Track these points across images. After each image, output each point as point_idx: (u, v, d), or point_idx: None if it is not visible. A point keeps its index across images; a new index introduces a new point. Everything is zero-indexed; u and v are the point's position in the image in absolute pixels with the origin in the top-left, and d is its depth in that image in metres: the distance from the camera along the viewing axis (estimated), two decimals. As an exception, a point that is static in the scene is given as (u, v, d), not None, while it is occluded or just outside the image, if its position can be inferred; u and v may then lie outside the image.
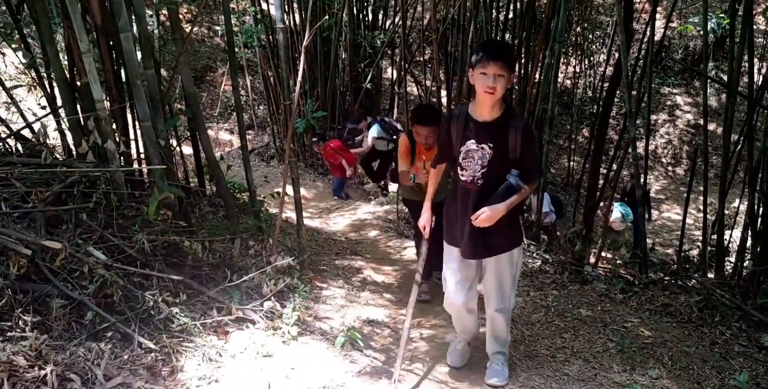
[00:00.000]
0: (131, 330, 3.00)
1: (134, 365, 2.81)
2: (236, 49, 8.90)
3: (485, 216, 2.67)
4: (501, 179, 2.70)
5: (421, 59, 12.36)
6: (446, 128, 2.83)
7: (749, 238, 5.09)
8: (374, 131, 7.63)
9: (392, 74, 11.49)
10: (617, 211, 8.08)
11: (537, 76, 7.09)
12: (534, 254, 5.78)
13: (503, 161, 2.69)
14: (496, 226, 2.74)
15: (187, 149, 5.48)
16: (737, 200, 7.05)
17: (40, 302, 2.95)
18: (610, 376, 3.39)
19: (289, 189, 4.65)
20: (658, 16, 8.11)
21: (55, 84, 3.96)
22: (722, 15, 11.02)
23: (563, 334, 3.97)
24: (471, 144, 2.71)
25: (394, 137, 7.41)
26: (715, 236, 5.36)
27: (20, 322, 2.75)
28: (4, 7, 4.54)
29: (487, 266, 3.01)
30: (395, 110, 10.30)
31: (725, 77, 10.35)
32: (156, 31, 6.51)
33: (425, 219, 3.17)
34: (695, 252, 6.45)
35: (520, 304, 4.48)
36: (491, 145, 2.67)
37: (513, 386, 3.22)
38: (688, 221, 6.48)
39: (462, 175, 2.79)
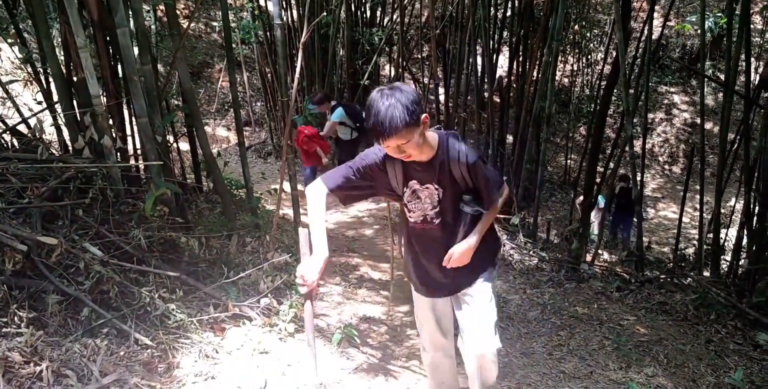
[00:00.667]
0: (127, 326, 2.99)
1: (130, 361, 2.80)
2: (234, 46, 8.88)
3: (456, 259, 2.31)
4: (459, 211, 2.33)
5: (419, 57, 12.35)
6: (381, 160, 2.27)
7: (745, 237, 5.11)
8: (337, 115, 7.10)
9: (390, 71, 11.47)
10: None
11: (535, 74, 7.09)
12: (530, 252, 5.79)
13: (456, 196, 2.31)
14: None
15: (184, 146, 5.47)
16: (733, 199, 7.07)
17: (35, 298, 2.94)
18: (606, 374, 3.40)
19: (287, 186, 4.64)
20: (655, 14, 8.11)
21: (51, 79, 3.94)
22: (720, 14, 11.03)
23: (559, 332, 3.98)
24: (414, 184, 2.30)
25: (357, 124, 7.05)
26: (711, 235, 5.37)
27: (16, 318, 2.74)
28: (0, 2, 4.51)
29: (462, 301, 2.48)
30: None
31: (722, 76, 10.37)
32: (153, 27, 6.49)
33: (315, 272, 2.15)
34: (691, 251, 6.46)
35: (517, 301, 4.49)
36: (437, 186, 2.28)
37: (509, 384, 3.22)
38: (685, 219, 6.49)
39: (411, 216, 2.38)
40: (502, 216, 6.58)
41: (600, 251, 6.36)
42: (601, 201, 7.99)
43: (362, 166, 2.28)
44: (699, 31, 7.47)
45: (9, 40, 4.54)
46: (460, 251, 2.30)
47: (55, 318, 2.89)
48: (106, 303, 3.10)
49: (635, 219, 6.26)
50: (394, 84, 2.05)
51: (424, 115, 2.06)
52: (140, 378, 2.70)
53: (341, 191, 2.29)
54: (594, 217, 8.00)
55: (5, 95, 4.34)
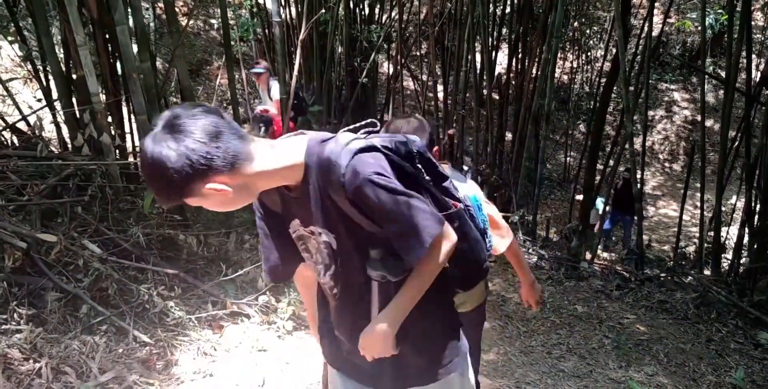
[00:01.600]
0: (126, 323, 2.99)
1: (129, 358, 2.80)
2: (232, 43, 8.86)
3: (367, 353, 1.45)
4: (367, 276, 1.43)
5: (418, 54, 12.32)
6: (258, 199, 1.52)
7: (746, 235, 5.10)
8: (278, 91, 6.72)
9: (388, 69, 11.45)
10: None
11: (534, 71, 7.08)
12: (530, 250, 5.79)
13: (360, 249, 1.40)
14: (402, 344, 1.46)
15: (184, 143, 5.45)
16: (734, 197, 7.07)
17: (35, 295, 2.94)
18: (605, 373, 3.40)
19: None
20: (655, 11, 8.09)
21: (51, 77, 3.93)
22: (720, 11, 11.02)
23: (559, 330, 3.98)
24: (298, 226, 1.47)
25: (295, 101, 6.43)
26: (711, 233, 5.37)
27: (15, 315, 2.74)
28: (0, 0, 4.50)
29: None
30: (391, 104, 10.27)
31: (723, 73, 10.35)
32: (152, 24, 6.47)
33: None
34: (692, 249, 6.46)
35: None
36: (322, 229, 1.41)
37: (509, 382, 3.22)
38: (685, 217, 6.49)
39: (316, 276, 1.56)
40: (501, 214, 6.56)
41: (599, 249, 6.36)
42: (600, 204, 7.98)
43: (259, 219, 1.57)
44: (699, 28, 7.45)
45: (9, 38, 4.53)
46: (369, 342, 1.43)
47: (55, 315, 2.88)
48: (105, 300, 3.10)
49: (635, 217, 6.25)
50: (174, 122, 1.18)
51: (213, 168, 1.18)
52: (139, 375, 2.70)
53: (281, 269, 1.56)
54: (593, 219, 7.99)
55: (5, 93, 4.33)
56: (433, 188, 1.46)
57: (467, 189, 1.98)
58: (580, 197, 6.82)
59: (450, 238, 1.37)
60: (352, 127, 1.43)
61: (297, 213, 1.45)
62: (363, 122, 1.42)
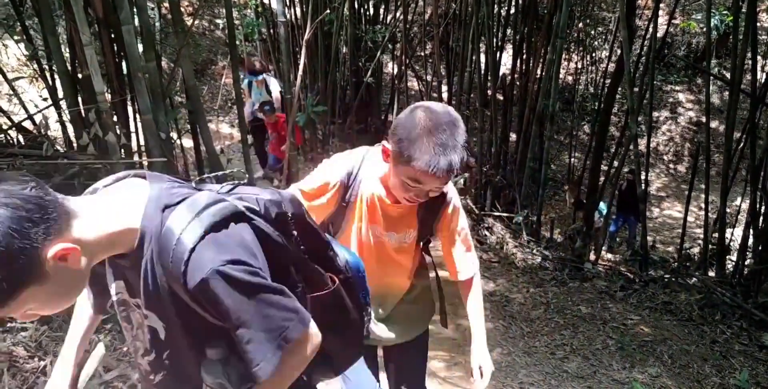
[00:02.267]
0: (131, 322, 3.00)
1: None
2: (237, 43, 8.87)
3: None
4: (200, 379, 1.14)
5: (422, 54, 12.31)
6: None
7: (751, 236, 5.09)
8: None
9: (393, 69, 11.45)
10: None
11: (538, 72, 7.07)
12: (534, 251, 5.78)
13: (194, 347, 1.13)
14: None
15: (188, 142, 5.47)
16: (739, 198, 7.04)
17: (39, 294, 2.95)
18: (609, 374, 3.39)
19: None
20: (660, 12, 8.08)
21: (56, 76, 3.95)
22: (725, 12, 10.98)
23: (563, 331, 3.97)
24: (123, 289, 1.16)
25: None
26: (716, 234, 5.35)
27: (20, 314, 2.75)
28: (7, 0, 4.52)
29: None
30: (396, 104, 10.27)
31: (728, 75, 10.33)
32: (157, 24, 6.49)
33: None
34: (696, 250, 6.44)
35: (519, 300, 4.48)
36: (150, 313, 1.13)
37: (512, 383, 3.22)
38: (689, 218, 6.47)
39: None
40: (505, 215, 6.57)
41: (603, 250, 6.35)
42: (603, 207, 7.96)
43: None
44: (705, 29, 7.44)
45: (15, 38, 4.55)
46: None
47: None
48: (109, 299, 3.10)
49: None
50: None
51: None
52: (144, 374, 2.71)
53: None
54: (597, 223, 7.97)
55: (11, 92, 4.35)
56: (310, 261, 1.22)
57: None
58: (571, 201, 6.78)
59: (312, 341, 1.11)
60: (212, 175, 1.22)
61: (127, 275, 1.12)
62: (226, 172, 1.27)
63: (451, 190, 1.74)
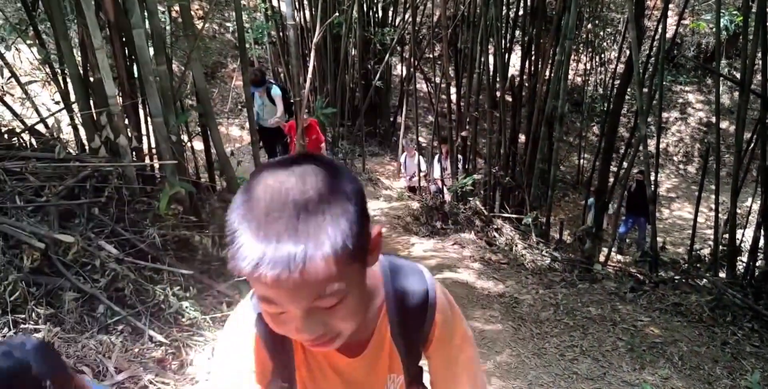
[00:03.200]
0: (142, 323, 3.02)
1: (144, 358, 2.83)
2: (247, 46, 8.93)
3: None
4: None
5: (431, 56, 12.32)
6: None
7: (762, 237, 5.05)
8: (280, 92, 6.67)
9: (402, 71, 11.47)
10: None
11: (547, 73, 7.06)
12: (543, 252, 5.77)
13: None
14: None
15: (198, 145, 5.50)
16: (750, 199, 7.00)
17: (52, 295, 2.98)
18: (619, 375, 3.38)
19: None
20: (670, 13, 8.06)
21: (68, 80, 3.99)
22: (735, 12, 10.92)
23: (572, 332, 3.96)
24: None
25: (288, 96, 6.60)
26: (727, 235, 5.32)
27: (33, 315, 2.78)
28: (19, 4, 4.57)
29: None
30: (404, 106, 10.29)
31: (738, 75, 10.27)
32: (168, 28, 6.54)
33: None
34: (707, 251, 6.40)
35: (529, 302, 4.47)
36: None
37: (522, 384, 3.22)
38: (700, 219, 6.44)
39: None
40: (514, 216, 6.57)
41: (613, 252, 6.32)
42: (611, 209, 7.93)
43: None
44: (714, 30, 7.40)
45: (28, 42, 4.60)
46: None
47: (72, 315, 2.92)
48: (121, 300, 3.13)
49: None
50: None
51: None
52: (154, 374, 2.73)
53: None
54: (605, 223, 7.93)
55: (24, 95, 4.40)
56: None
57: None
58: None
59: None
60: None
61: None
62: None
63: (440, 297, 1.12)
